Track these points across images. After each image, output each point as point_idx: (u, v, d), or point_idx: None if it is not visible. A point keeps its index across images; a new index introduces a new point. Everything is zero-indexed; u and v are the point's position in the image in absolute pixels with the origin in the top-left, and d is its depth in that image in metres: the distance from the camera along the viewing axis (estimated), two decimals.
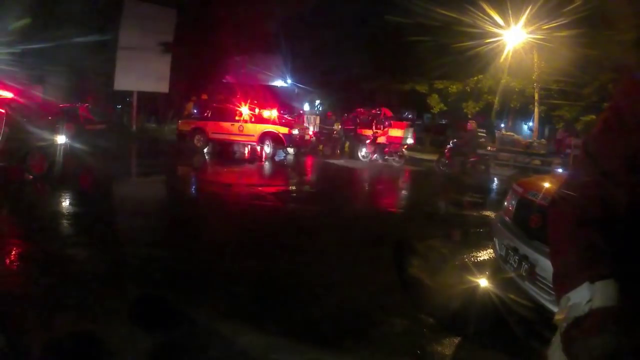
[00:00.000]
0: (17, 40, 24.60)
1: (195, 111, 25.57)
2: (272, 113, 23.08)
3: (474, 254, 7.79)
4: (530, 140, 19.58)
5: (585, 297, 1.25)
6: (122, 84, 28.86)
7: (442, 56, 25.23)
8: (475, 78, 27.85)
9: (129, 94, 30.39)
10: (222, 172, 17.63)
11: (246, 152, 23.96)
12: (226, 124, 23.14)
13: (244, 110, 23.21)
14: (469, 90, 29.40)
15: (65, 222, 8.93)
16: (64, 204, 10.58)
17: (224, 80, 34.77)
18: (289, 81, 41.07)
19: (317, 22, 35.19)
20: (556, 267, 1.42)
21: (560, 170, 17.45)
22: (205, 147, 23.07)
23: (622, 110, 1.42)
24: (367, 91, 35.00)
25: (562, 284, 1.34)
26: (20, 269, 6.26)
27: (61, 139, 14.07)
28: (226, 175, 17.01)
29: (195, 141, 23.21)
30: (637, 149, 1.35)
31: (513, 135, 20.60)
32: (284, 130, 22.56)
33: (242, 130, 22.95)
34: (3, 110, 12.84)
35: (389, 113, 24.06)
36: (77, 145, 15.45)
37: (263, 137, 22.57)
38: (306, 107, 38.40)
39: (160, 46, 29.36)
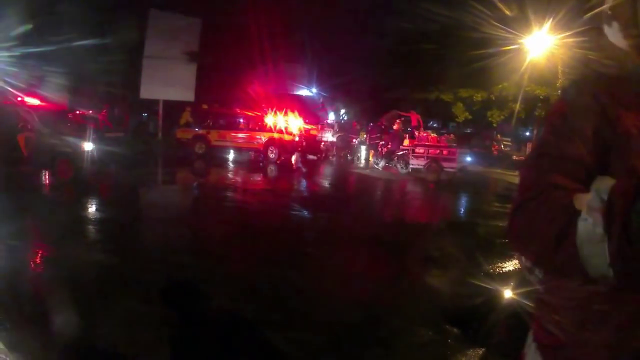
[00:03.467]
0: (40, 47, 25.09)
1: (192, 120, 25.75)
2: (288, 121, 23.60)
3: (499, 264, 7.73)
4: (440, 137, 22.41)
5: (593, 199, 1.12)
6: (148, 92, 29.14)
7: (467, 64, 25.06)
8: (500, 86, 27.60)
9: (156, 102, 30.67)
10: (236, 179, 17.74)
11: (252, 158, 24.33)
12: (231, 132, 23.47)
13: (251, 118, 24.15)
14: (493, 98, 29.15)
15: (90, 227, 9.10)
16: (89, 209, 10.76)
17: (249, 89, 34.97)
18: (314, 90, 41.09)
19: (343, 31, 35.28)
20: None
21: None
22: (205, 154, 23.39)
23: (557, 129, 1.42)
24: (392, 100, 34.89)
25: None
26: (44, 272, 6.41)
27: (88, 146, 14.29)
28: (241, 181, 17.17)
29: (197, 149, 23.57)
30: (579, 157, 1.34)
31: (428, 132, 22.86)
32: (289, 137, 23.31)
33: (247, 138, 23.28)
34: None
35: (415, 120, 24.30)
36: (100, 152, 15.67)
37: (268, 144, 23.12)
38: (331, 116, 38.56)
39: (186, 55, 29.60)
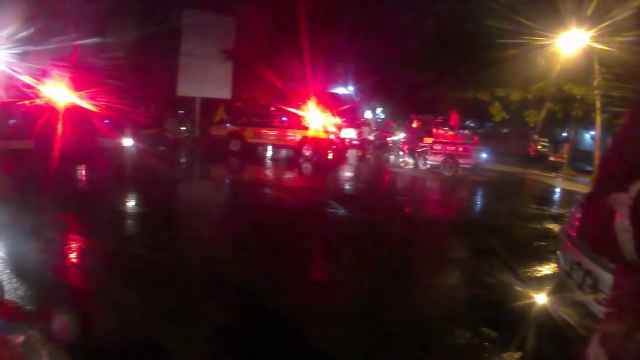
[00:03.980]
0: (77, 43, 25.57)
1: (227, 116, 25.95)
2: (326, 119, 23.79)
3: (537, 267, 7.67)
4: (455, 133, 23.08)
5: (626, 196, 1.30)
6: (185, 90, 29.57)
7: (503, 62, 24.84)
8: (537, 85, 27.24)
9: (192, 99, 31.05)
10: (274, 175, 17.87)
11: (287, 155, 24.63)
12: (266, 129, 23.70)
13: (286, 115, 24.39)
14: (530, 97, 28.77)
15: (129, 222, 9.34)
16: (128, 203, 10.99)
17: (285, 87, 35.14)
18: (350, 88, 41.14)
19: (379, 30, 35.19)
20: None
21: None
22: (240, 151, 23.54)
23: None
24: (429, 99, 34.74)
25: None
26: (82, 266, 6.57)
27: (127, 142, 14.58)
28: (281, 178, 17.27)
29: (231, 146, 23.71)
30: None
31: (445, 130, 23.37)
32: (323, 135, 23.59)
33: (282, 135, 23.49)
34: None
35: (454, 119, 24.43)
36: (137, 148, 15.95)
37: (303, 142, 23.32)
38: (368, 114, 38.63)
39: (221, 53, 29.93)
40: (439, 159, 21.41)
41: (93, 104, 18.51)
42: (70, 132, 14.07)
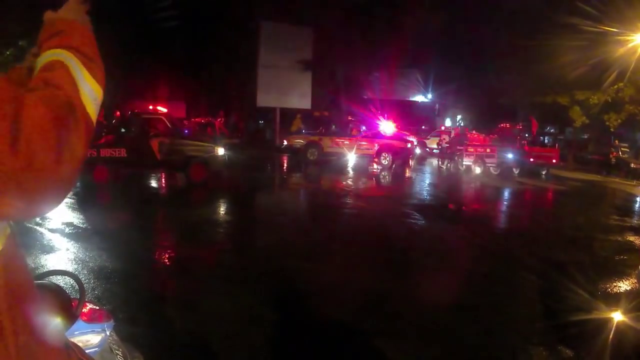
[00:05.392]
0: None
1: (303, 126, 26.37)
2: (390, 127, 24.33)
3: (616, 283, 7.65)
4: (485, 137, 26.45)
5: None
6: (265, 100, 30.22)
7: (582, 64, 24.45)
8: (615, 86, 26.60)
9: (270, 109, 31.76)
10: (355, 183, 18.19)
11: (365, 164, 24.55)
12: (343, 139, 24.02)
13: (363, 124, 24.79)
14: (610, 100, 28.04)
15: (219, 230, 9.92)
16: (220, 211, 11.61)
17: (364, 96, 35.32)
18: (429, 96, 41.06)
19: (456, 37, 35.08)
20: None
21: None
22: (318, 160, 23.88)
23: None
24: (508, 105, 34.39)
25: None
26: (165, 269, 7.19)
27: (220, 151, 15.25)
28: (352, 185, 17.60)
29: (309, 155, 24.08)
30: None
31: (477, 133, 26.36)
32: (400, 144, 24.03)
33: (359, 145, 23.78)
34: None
35: (535, 126, 25.20)
36: (229, 157, 16.59)
37: (381, 150, 23.53)
38: (447, 122, 38.57)
39: (299, 64, 30.47)
40: (470, 159, 24.23)
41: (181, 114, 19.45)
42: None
